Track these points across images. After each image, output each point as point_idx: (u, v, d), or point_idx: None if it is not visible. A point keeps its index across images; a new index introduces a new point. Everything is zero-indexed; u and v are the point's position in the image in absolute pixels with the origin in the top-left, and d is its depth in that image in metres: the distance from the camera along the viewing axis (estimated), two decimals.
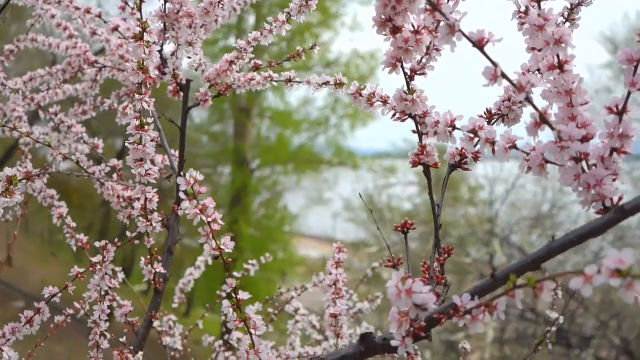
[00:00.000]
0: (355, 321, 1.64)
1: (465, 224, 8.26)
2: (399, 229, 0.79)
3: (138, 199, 1.02)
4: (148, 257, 1.10)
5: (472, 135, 0.71)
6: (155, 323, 1.52)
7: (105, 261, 1.04)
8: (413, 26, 0.69)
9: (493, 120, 0.81)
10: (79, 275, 1.07)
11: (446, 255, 0.75)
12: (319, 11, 10.71)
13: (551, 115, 0.64)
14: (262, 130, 11.67)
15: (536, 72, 0.72)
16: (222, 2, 1.05)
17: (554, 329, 1.25)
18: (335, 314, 1.07)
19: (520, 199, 8.06)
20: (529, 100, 0.62)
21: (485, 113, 0.81)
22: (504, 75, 0.61)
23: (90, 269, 1.08)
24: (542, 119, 0.62)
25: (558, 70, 0.65)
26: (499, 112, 0.81)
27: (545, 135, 0.69)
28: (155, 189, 1.02)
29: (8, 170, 0.79)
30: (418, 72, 0.74)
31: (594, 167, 0.62)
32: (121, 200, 1.16)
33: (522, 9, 0.76)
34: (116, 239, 1.09)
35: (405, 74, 0.73)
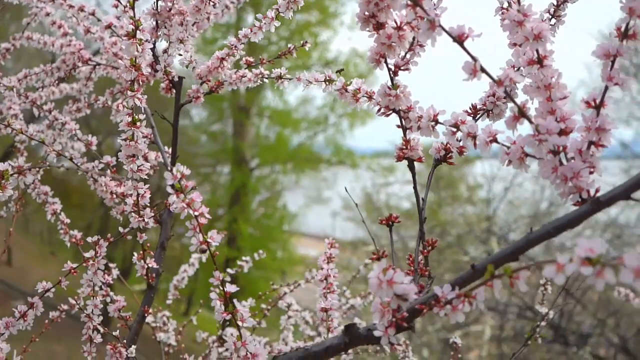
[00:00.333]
0: (348, 317, 1.65)
1: (464, 223, 8.28)
2: (384, 222, 0.80)
3: (130, 195, 1.03)
4: (141, 252, 1.11)
5: (454, 129, 0.72)
6: (150, 319, 1.54)
7: (97, 256, 1.05)
8: (396, 22, 0.71)
9: (478, 116, 0.83)
10: (72, 271, 1.08)
11: (430, 247, 0.76)
12: (318, 10, 10.74)
13: (530, 109, 0.65)
14: (261, 129, 11.69)
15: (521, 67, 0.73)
16: (213, 0, 1.06)
17: (543, 323, 1.27)
18: (326, 308, 1.09)
19: (519, 198, 8.08)
20: (507, 94, 0.63)
21: (470, 108, 0.83)
22: (483, 70, 0.63)
23: (84, 264, 1.10)
24: (520, 113, 0.63)
25: (538, 66, 0.66)
26: (484, 107, 0.82)
27: (528, 129, 0.70)
28: (147, 185, 1.04)
29: (0, 165, 0.80)
30: (402, 68, 0.75)
31: (572, 160, 0.64)
32: (114, 196, 1.17)
33: (505, 5, 0.77)
34: (109, 235, 1.11)
35: (389, 69, 0.74)
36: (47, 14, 1.36)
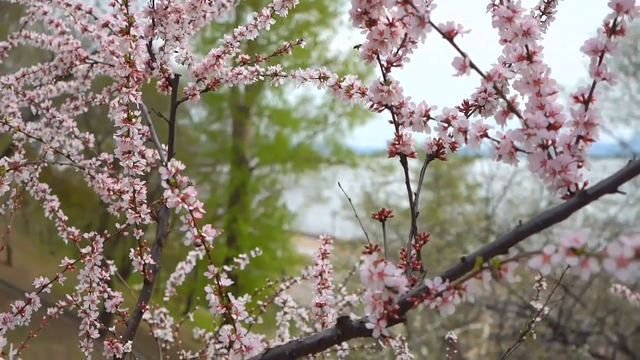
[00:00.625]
0: (344, 314, 1.66)
1: (463, 222, 8.29)
2: (376, 216, 0.81)
3: (127, 191, 1.04)
4: (138, 249, 1.12)
5: (445, 124, 0.73)
6: (147, 316, 1.54)
7: (94, 252, 1.06)
8: (388, 19, 0.72)
9: (470, 112, 0.83)
10: (69, 267, 1.09)
11: (422, 242, 0.77)
12: (318, 10, 10.75)
13: (519, 104, 0.66)
14: (260, 128, 11.69)
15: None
16: None
17: (538, 319, 1.27)
18: (320, 303, 1.09)
19: (518, 196, 8.09)
20: (497, 89, 0.64)
21: (462, 104, 0.83)
22: (472, 66, 0.63)
23: (81, 260, 1.11)
24: (510, 108, 0.64)
25: (527, 61, 0.67)
26: (475, 103, 0.83)
27: (519, 124, 0.71)
28: (144, 182, 1.04)
29: None
30: (394, 64, 0.76)
31: (561, 155, 0.65)
32: (111, 193, 1.18)
33: (497, 2, 0.78)
34: (105, 231, 1.11)
35: (381, 65, 0.75)
36: (45, 13, 1.37)
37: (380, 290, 0.64)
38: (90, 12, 1.25)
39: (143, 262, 1.12)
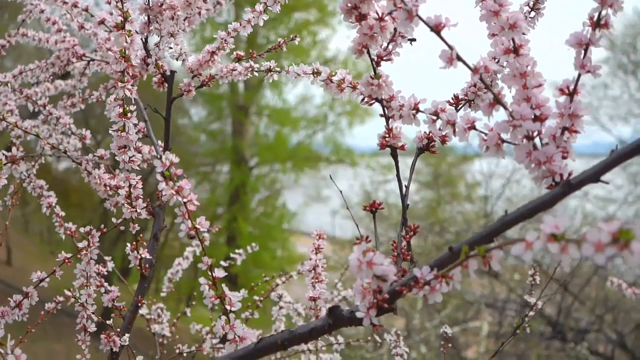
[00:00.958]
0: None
1: (463, 220, 8.30)
2: (367, 208, 0.83)
3: (123, 186, 1.05)
4: (134, 243, 1.13)
5: (434, 117, 0.74)
6: (144, 311, 1.56)
7: (90, 247, 1.07)
8: (377, 13, 0.73)
9: (460, 106, 0.85)
10: (66, 261, 1.11)
11: (412, 233, 0.78)
12: (317, 9, 10.76)
13: (505, 96, 0.67)
14: (260, 128, 11.71)
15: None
16: None
17: (532, 313, 1.28)
18: (314, 297, 1.11)
19: (517, 195, 8.10)
20: (483, 81, 0.65)
21: (452, 98, 0.85)
22: (459, 59, 0.65)
23: (78, 255, 1.12)
24: (496, 100, 0.65)
25: (514, 54, 0.68)
26: (465, 97, 0.84)
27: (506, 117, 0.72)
28: (140, 176, 1.06)
29: None
30: (384, 58, 0.77)
31: (546, 146, 0.66)
32: (108, 188, 1.19)
33: None
34: (102, 225, 1.13)
35: (371, 59, 0.77)
36: (42, 11, 1.38)
37: (369, 279, 0.65)
38: (86, 10, 1.26)
39: (139, 257, 1.13)
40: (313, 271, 1.12)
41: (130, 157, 0.98)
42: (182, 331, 1.82)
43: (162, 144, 1.26)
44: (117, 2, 1.01)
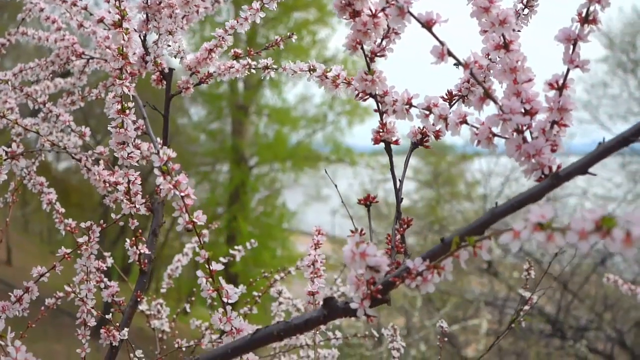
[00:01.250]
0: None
1: (462, 219, 8.32)
2: (362, 202, 0.84)
3: (122, 182, 1.06)
4: (133, 239, 1.15)
5: (427, 112, 0.76)
6: (144, 307, 1.57)
7: (90, 242, 1.09)
8: (371, 10, 0.74)
9: (453, 101, 0.86)
10: (66, 256, 1.12)
11: (406, 226, 0.79)
12: (316, 8, 10.77)
13: (495, 91, 0.68)
14: (260, 127, 11.72)
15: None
16: None
17: (527, 307, 1.30)
18: (312, 291, 1.12)
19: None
20: (473, 76, 0.66)
21: (446, 94, 0.86)
22: (450, 54, 0.66)
23: (77, 251, 1.13)
24: (486, 94, 0.66)
25: (504, 50, 0.70)
26: (459, 93, 0.86)
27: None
28: (138, 172, 1.07)
29: None
30: (378, 54, 0.78)
31: (536, 139, 0.67)
32: (107, 185, 1.20)
33: None
34: (102, 221, 1.14)
35: (365, 56, 0.78)
36: (41, 10, 1.39)
37: (362, 270, 0.66)
38: (85, 9, 1.28)
39: (138, 252, 1.14)
40: (312, 266, 1.13)
41: (129, 154, 0.99)
42: (182, 330, 1.84)
43: (161, 142, 1.27)
44: (115, 1, 1.02)
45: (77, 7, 1.27)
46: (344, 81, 0.84)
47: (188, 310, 1.68)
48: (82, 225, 1.08)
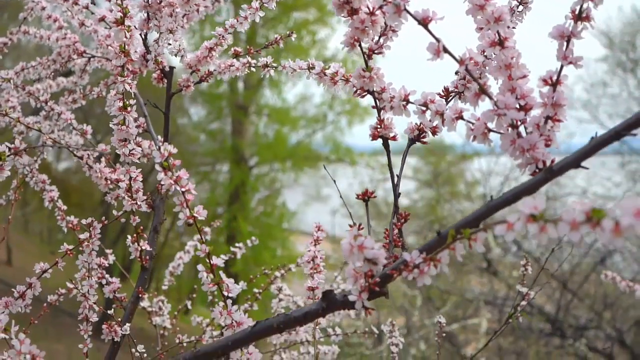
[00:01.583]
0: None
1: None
2: (360, 197, 0.85)
3: (124, 179, 1.08)
4: (134, 235, 1.16)
5: (424, 108, 0.77)
6: (146, 304, 1.58)
7: (92, 238, 1.10)
8: (368, 8, 0.75)
9: (450, 98, 0.87)
10: (69, 252, 1.13)
11: (403, 220, 0.81)
12: (316, 8, 10.78)
13: (490, 87, 0.70)
14: (260, 127, 11.74)
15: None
16: None
17: (523, 302, 1.31)
18: (312, 287, 1.13)
19: None
20: (469, 72, 0.67)
21: (442, 91, 0.87)
22: (446, 51, 0.67)
23: (79, 247, 1.15)
24: (481, 90, 0.68)
25: (499, 47, 0.71)
26: (455, 89, 0.87)
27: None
28: (140, 169, 1.08)
29: None
30: (375, 52, 0.80)
31: (530, 134, 0.68)
32: (109, 182, 1.21)
33: None
34: (103, 217, 1.15)
35: (363, 53, 0.79)
36: (43, 8, 1.40)
37: (360, 263, 0.67)
38: (87, 7, 1.29)
39: (140, 249, 1.16)
40: (312, 262, 1.14)
41: (130, 150, 1.00)
42: (183, 329, 1.85)
43: (162, 140, 1.28)
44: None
45: (78, 6, 1.28)
46: (342, 78, 0.85)
47: (189, 307, 1.69)
48: (84, 221, 1.09)
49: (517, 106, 0.68)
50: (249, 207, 11.21)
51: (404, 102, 0.79)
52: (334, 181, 1.00)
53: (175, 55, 1.16)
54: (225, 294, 0.82)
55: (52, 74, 1.45)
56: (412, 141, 0.86)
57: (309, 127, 11.65)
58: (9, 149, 0.88)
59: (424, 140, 0.85)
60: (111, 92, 1.34)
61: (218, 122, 11.62)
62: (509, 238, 0.55)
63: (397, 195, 0.82)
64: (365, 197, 0.84)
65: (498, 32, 0.70)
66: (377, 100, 0.81)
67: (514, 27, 0.89)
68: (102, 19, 1.22)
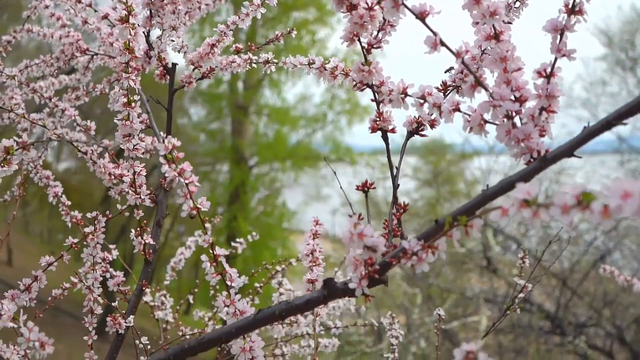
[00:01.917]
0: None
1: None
2: (359, 188, 0.87)
3: (127, 174, 1.10)
4: (138, 229, 1.18)
5: (422, 101, 0.79)
6: (148, 299, 1.60)
7: (97, 232, 1.12)
8: (367, 3, 0.77)
9: (448, 92, 0.89)
10: (74, 246, 1.15)
11: (402, 210, 0.83)
12: (315, 8, 10.80)
13: (486, 79, 0.72)
14: (259, 127, 11.76)
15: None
16: None
17: (521, 295, 1.33)
18: (312, 279, 1.15)
19: None
20: (465, 65, 0.69)
21: (440, 85, 0.89)
22: (443, 44, 0.69)
23: (84, 241, 1.17)
24: (477, 82, 0.70)
25: (495, 40, 0.73)
26: (453, 83, 0.89)
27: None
28: (143, 164, 1.10)
29: (5, 142, 0.86)
30: (374, 46, 0.82)
31: (525, 124, 0.70)
32: (112, 177, 1.23)
33: None
34: (107, 212, 1.17)
35: (362, 47, 0.81)
36: (46, 7, 1.42)
37: (360, 250, 0.69)
38: (90, 5, 1.31)
39: (143, 242, 1.18)
40: (311, 255, 1.16)
41: (134, 145, 1.02)
42: (185, 325, 1.86)
43: (165, 135, 1.30)
44: None
45: (81, 4, 1.30)
46: (342, 72, 0.87)
47: (191, 301, 1.71)
48: (88, 215, 1.11)
49: (513, 98, 0.70)
50: (249, 207, 11.22)
51: (403, 95, 0.81)
52: (335, 172, 1.02)
53: (178, 52, 1.18)
54: (229, 283, 0.84)
55: (56, 71, 1.47)
56: (410, 134, 0.88)
57: (309, 126, 11.67)
58: (17, 143, 0.90)
59: (423, 133, 0.87)
60: (115, 88, 1.37)
61: (218, 122, 11.64)
62: (503, 223, 0.57)
63: (396, 187, 0.84)
64: (365, 188, 0.86)
65: (493, 26, 0.72)
66: (376, 94, 0.83)
67: (510, 23, 0.91)
68: (105, 17, 1.24)
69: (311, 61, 1.03)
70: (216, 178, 11.89)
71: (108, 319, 1.16)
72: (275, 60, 1.17)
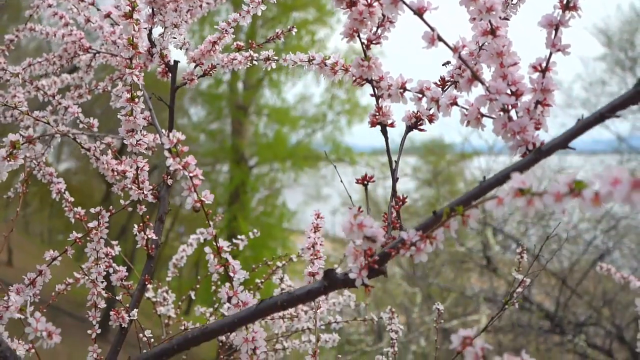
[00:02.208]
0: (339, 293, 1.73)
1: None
2: (359, 182, 0.89)
3: (130, 170, 1.11)
4: (141, 224, 1.20)
5: (420, 95, 0.81)
6: (150, 294, 1.62)
7: (100, 226, 1.13)
8: (366, 0, 0.79)
9: (446, 87, 0.91)
10: (77, 240, 1.17)
11: (401, 203, 0.84)
12: (315, 8, 10.82)
13: (483, 73, 0.73)
14: (259, 127, 11.77)
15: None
16: None
17: (519, 290, 1.35)
18: (313, 272, 1.17)
19: None
20: (462, 59, 0.71)
21: (439, 80, 0.91)
22: (440, 39, 0.71)
23: (87, 237, 1.18)
24: (474, 76, 0.71)
25: (491, 36, 0.74)
26: (451, 79, 0.90)
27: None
28: (146, 160, 1.12)
29: (12, 136, 0.88)
30: (373, 42, 0.83)
31: (520, 117, 0.72)
32: (115, 173, 1.25)
33: None
34: (110, 207, 1.19)
35: (362, 43, 0.83)
36: (49, 5, 1.44)
37: (360, 241, 0.71)
38: (92, 4, 1.33)
39: (146, 237, 1.19)
40: (312, 248, 1.18)
41: (137, 140, 1.04)
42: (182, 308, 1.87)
43: (167, 132, 1.32)
44: None
45: (84, 2, 1.32)
46: (342, 68, 0.89)
47: (193, 297, 1.73)
48: (92, 210, 1.13)
49: (509, 92, 0.72)
50: (249, 207, 11.24)
51: (401, 90, 0.83)
52: (335, 167, 1.03)
53: (180, 49, 1.19)
54: (232, 275, 0.85)
55: (58, 70, 1.49)
56: (409, 128, 0.89)
57: (309, 126, 11.68)
58: (23, 137, 0.92)
59: (421, 127, 0.89)
60: (118, 85, 1.38)
61: (218, 122, 11.65)
62: (498, 213, 0.58)
63: (395, 180, 0.85)
64: (365, 181, 0.87)
65: (490, 22, 0.74)
66: (375, 89, 0.85)
67: (507, 19, 0.93)
68: (108, 15, 1.26)
69: (311, 58, 1.05)
70: (216, 178, 11.90)
71: (111, 312, 1.17)
72: (276, 57, 1.18)
